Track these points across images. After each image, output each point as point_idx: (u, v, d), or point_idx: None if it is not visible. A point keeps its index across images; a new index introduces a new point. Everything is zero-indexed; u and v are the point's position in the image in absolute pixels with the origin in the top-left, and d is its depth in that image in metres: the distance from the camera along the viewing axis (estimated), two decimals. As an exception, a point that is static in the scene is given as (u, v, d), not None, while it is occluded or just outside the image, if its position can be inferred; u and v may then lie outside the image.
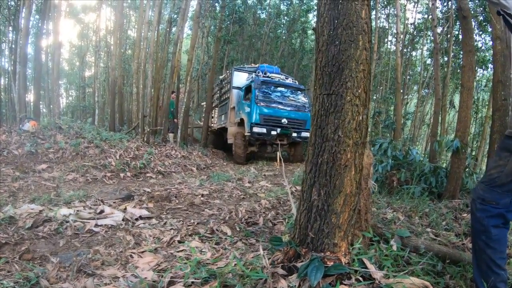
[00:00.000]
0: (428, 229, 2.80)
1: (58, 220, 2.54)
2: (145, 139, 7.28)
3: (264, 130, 8.70)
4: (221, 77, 12.95)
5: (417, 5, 13.59)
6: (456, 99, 14.27)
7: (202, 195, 4.16)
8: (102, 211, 2.91)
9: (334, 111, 1.24)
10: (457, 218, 3.36)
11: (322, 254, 1.44)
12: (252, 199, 4.23)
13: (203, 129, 12.36)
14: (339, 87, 1.25)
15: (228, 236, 2.48)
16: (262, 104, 8.81)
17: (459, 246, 2.47)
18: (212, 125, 12.90)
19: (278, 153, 8.09)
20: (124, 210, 3.07)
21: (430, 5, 9.30)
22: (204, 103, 15.00)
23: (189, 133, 13.00)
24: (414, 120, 12.75)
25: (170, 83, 9.12)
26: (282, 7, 18.64)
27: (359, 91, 1.25)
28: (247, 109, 9.03)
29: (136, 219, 2.87)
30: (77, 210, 2.94)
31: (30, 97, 16.64)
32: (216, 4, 13.35)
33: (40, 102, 16.05)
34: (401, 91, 9.16)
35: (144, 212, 3.04)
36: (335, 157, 1.27)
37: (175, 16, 14.00)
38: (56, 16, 12.74)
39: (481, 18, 9.89)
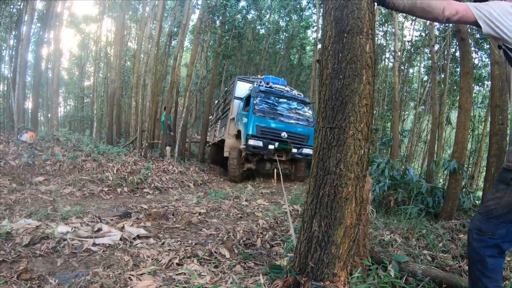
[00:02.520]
0: (425, 251, 2.83)
1: (55, 238, 2.53)
2: (143, 154, 7.28)
3: (260, 144, 8.03)
4: (226, 88, 12.66)
5: (415, 22, 13.97)
6: (453, 116, 14.57)
7: (200, 214, 4.15)
8: (99, 229, 2.90)
9: (337, 145, 1.29)
10: (453, 239, 3.40)
11: (322, 283, 1.46)
12: (250, 218, 4.23)
13: (200, 144, 12.34)
14: (342, 121, 1.30)
15: (226, 258, 2.48)
16: (260, 114, 8.19)
17: (456, 269, 2.50)
18: (215, 138, 12.37)
19: (275, 170, 8.04)
20: (122, 228, 3.06)
21: (428, 24, 9.55)
22: (211, 116, 15.00)
23: (186, 147, 12.98)
24: (411, 138, 12.89)
25: (169, 97, 9.18)
26: (281, 23, 19.05)
27: (362, 125, 1.30)
28: (245, 120, 8.46)
29: (134, 238, 2.86)
30: (75, 228, 2.93)
31: (29, 104, 16.62)
32: (216, 19, 13.66)
33: (39, 110, 16.04)
34: (398, 109, 9.27)
35: (142, 231, 3.04)
36: (337, 190, 1.31)
37: (176, 29, 14.27)
38: (57, 25, 12.88)
39: (477, 36, 10.20)
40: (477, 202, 4.34)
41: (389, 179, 4.39)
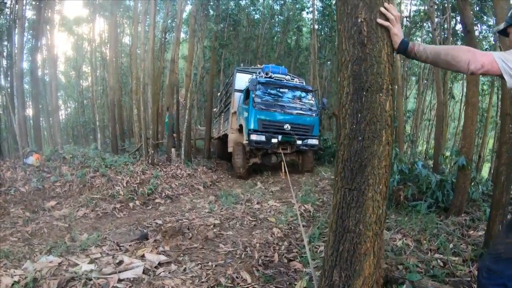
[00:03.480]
0: (437, 255, 2.89)
1: (81, 279, 2.60)
2: (150, 161, 7.32)
3: (263, 138, 7.84)
4: (227, 80, 12.40)
5: None
6: (455, 89, 14.44)
7: (214, 225, 4.22)
8: (121, 261, 2.97)
9: (356, 206, 1.29)
10: (464, 236, 3.46)
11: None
12: (264, 225, 4.30)
13: (205, 140, 12.32)
14: (361, 184, 1.29)
15: (248, 284, 2.55)
16: (261, 107, 7.97)
17: (466, 274, 2.57)
18: (220, 132, 12.19)
19: (283, 164, 7.91)
20: (142, 256, 3.13)
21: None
22: (215, 109, 14.81)
23: (192, 144, 12.93)
24: (415, 117, 12.78)
25: (170, 98, 9.11)
26: (275, 6, 18.62)
27: (381, 186, 1.30)
28: (245, 114, 8.25)
29: (156, 267, 2.93)
30: (96, 259, 3.00)
31: (29, 111, 16.52)
32: (211, 10, 13.30)
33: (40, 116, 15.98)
34: (402, 94, 9.10)
35: (162, 258, 3.10)
36: (356, 247, 1.33)
37: (170, 23, 14.01)
38: (50, 29, 12.61)
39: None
40: (485, 191, 4.38)
41: (398, 174, 4.40)
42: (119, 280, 2.64)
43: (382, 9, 1.40)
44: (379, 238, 1.33)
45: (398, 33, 1.40)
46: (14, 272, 2.73)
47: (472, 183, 4.19)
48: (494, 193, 2.71)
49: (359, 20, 1.38)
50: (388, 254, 2.87)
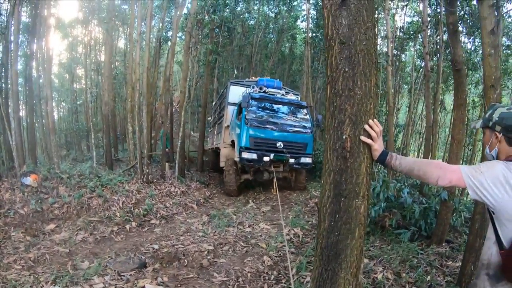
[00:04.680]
0: (413, 289, 3.21)
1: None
2: (144, 179, 7.53)
3: (254, 156, 7.68)
4: (221, 91, 12.34)
5: (406, 8, 14.03)
6: (447, 99, 14.95)
7: (208, 252, 4.47)
8: (123, 295, 3.20)
9: (330, 282, 1.58)
10: (442, 266, 3.80)
11: None
12: (255, 251, 4.57)
13: (198, 153, 12.50)
14: (335, 267, 1.56)
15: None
16: (253, 124, 7.77)
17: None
18: (213, 144, 12.09)
19: (274, 181, 7.97)
20: (143, 288, 3.37)
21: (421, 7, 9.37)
22: (210, 118, 14.75)
23: (185, 155, 13.06)
24: (406, 129, 13.17)
25: (165, 118, 9.32)
26: (270, 14, 18.90)
27: (352, 269, 1.57)
28: (238, 130, 8.09)
29: (156, 300, 3.18)
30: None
31: (22, 112, 16.36)
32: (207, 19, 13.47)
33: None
34: (392, 114, 9.32)
35: (161, 290, 3.35)
36: (329, 312, 1.62)
37: (165, 33, 14.17)
38: (46, 31, 12.61)
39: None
40: (468, 218, 4.74)
41: (384, 202, 4.72)
42: (123, 315, 2.89)
43: (366, 126, 1.58)
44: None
45: (378, 148, 1.61)
46: (23, 306, 2.95)
47: (454, 213, 4.54)
48: (468, 238, 3.04)
49: (344, 137, 1.57)
50: (368, 288, 3.18)
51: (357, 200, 1.58)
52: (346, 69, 1.58)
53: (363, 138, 1.58)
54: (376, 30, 1.80)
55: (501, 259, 1.41)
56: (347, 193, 1.57)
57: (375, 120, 1.62)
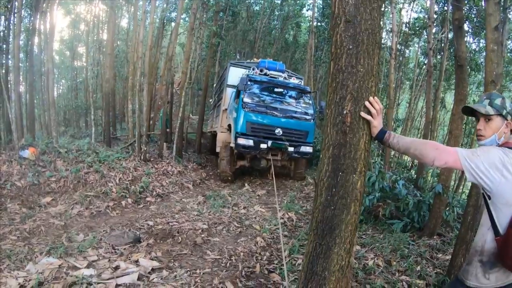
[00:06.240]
0: (403, 277, 3.28)
1: (83, 284, 2.88)
2: (142, 157, 7.54)
3: (251, 143, 7.25)
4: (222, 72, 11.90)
5: (413, 3, 13.85)
6: (447, 98, 14.93)
7: (202, 230, 4.52)
8: (118, 267, 3.26)
9: (323, 257, 1.61)
10: (432, 258, 3.86)
11: None
12: (248, 232, 4.63)
13: (197, 135, 12.47)
14: (329, 242, 1.59)
15: (232, 294, 2.88)
16: (251, 109, 7.35)
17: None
18: (212, 127, 11.64)
19: (271, 169, 7.61)
20: (137, 262, 3.42)
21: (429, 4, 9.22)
22: (211, 100, 14.54)
23: (183, 137, 13.02)
24: (405, 124, 13.18)
25: (165, 99, 9.27)
26: (276, 0, 18.57)
27: (345, 245, 1.60)
28: (234, 114, 7.60)
29: (149, 273, 3.23)
30: (94, 262, 3.29)
31: (22, 88, 16.16)
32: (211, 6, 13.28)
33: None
34: (392, 107, 9.24)
35: (155, 264, 3.40)
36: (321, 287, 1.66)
37: (169, 13, 13.97)
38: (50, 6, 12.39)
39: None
40: (460, 213, 4.79)
41: (379, 192, 4.76)
42: (117, 286, 2.94)
43: (367, 103, 1.60)
44: (341, 282, 1.65)
45: (377, 126, 1.62)
46: (17, 274, 3.00)
47: (447, 208, 4.59)
48: (460, 230, 3.08)
49: (345, 112, 1.59)
50: (359, 273, 3.25)
51: (354, 175, 1.59)
52: (350, 47, 1.59)
53: (363, 114, 1.60)
54: (381, 10, 1.78)
55: (496, 246, 1.42)
56: (345, 168, 1.59)
57: (375, 97, 1.63)
